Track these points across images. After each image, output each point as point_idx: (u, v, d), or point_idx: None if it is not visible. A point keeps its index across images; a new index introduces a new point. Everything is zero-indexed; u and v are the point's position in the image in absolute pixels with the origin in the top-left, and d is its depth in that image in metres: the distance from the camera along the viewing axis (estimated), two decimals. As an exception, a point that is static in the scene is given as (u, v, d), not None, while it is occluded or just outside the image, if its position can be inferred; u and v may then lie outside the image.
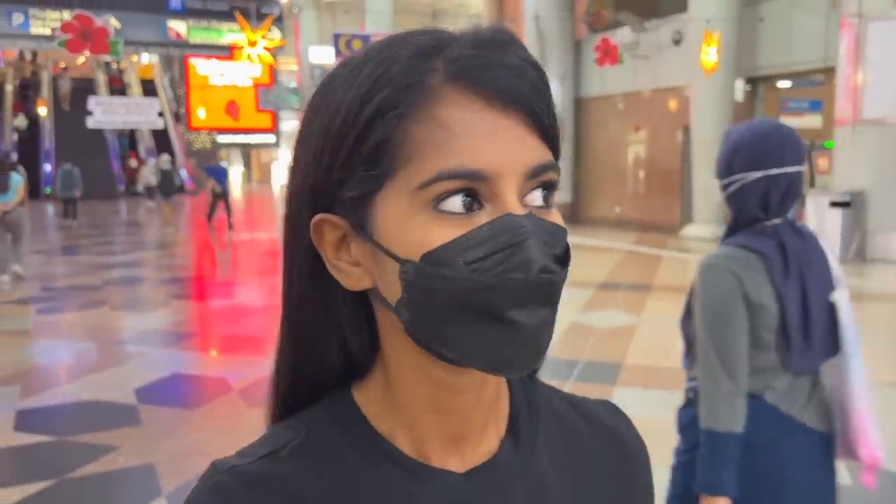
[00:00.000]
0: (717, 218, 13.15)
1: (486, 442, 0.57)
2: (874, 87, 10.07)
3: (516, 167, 0.47)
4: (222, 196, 14.83)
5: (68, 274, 10.09)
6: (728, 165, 1.70)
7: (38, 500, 3.42)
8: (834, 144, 11.00)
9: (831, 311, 1.67)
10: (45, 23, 24.05)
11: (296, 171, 0.54)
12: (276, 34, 21.75)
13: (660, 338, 6.39)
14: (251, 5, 21.25)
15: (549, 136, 0.50)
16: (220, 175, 15.10)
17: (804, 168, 1.69)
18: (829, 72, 11.41)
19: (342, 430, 0.55)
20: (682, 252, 11.89)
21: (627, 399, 4.69)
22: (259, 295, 8.99)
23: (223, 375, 5.35)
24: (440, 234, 0.47)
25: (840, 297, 1.68)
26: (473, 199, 0.47)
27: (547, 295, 0.47)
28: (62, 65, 32.16)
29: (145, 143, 29.42)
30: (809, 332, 1.65)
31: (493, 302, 0.46)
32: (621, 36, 15.10)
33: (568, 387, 4.96)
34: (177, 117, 31.39)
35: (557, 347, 6.04)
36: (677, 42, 14.08)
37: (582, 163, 17.35)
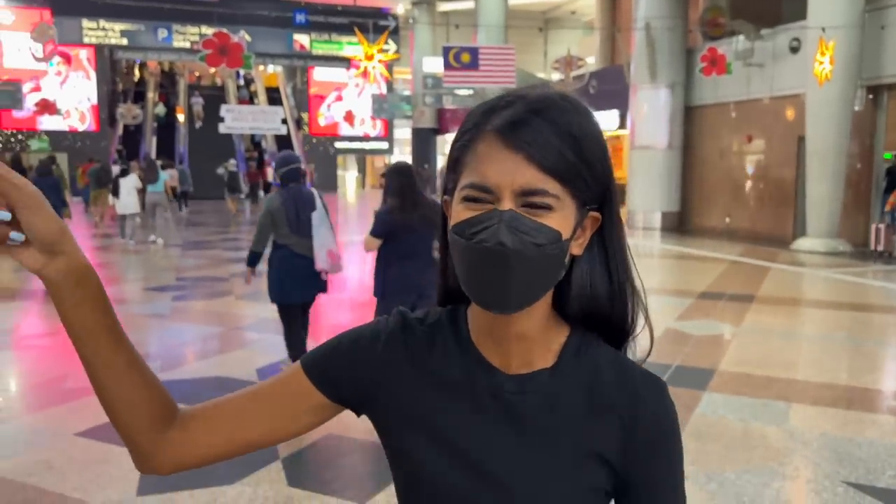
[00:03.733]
0: (831, 232, 12.66)
1: (530, 365, 0.83)
2: None
3: (510, 186, 0.74)
4: None
5: (199, 266, 11.05)
6: (279, 164, 5.04)
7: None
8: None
9: (310, 217, 4.84)
10: (186, 37, 26.11)
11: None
12: (391, 47, 22.57)
13: (756, 348, 6.38)
14: (368, 21, 22.20)
15: (549, 172, 0.74)
16: None
17: (299, 166, 5.05)
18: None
19: (452, 327, 0.87)
20: (791, 265, 11.53)
21: (716, 404, 4.81)
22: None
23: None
24: (462, 215, 0.76)
25: (313, 214, 4.83)
26: (486, 200, 0.76)
27: (500, 259, 0.72)
28: (196, 73, 34.66)
29: (269, 147, 31.13)
30: (300, 223, 4.84)
31: (472, 258, 0.75)
32: (735, 44, 14.79)
33: (656, 389, 5.10)
34: (298, 124, 33.00)
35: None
36: (794, 50, 13.67)
37: (692, 172, 17.05)
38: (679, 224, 17.02)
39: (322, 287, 5.05)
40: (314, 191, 5.04)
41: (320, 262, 4.84)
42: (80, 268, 0.75)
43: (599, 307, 0.84)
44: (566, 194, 0.75)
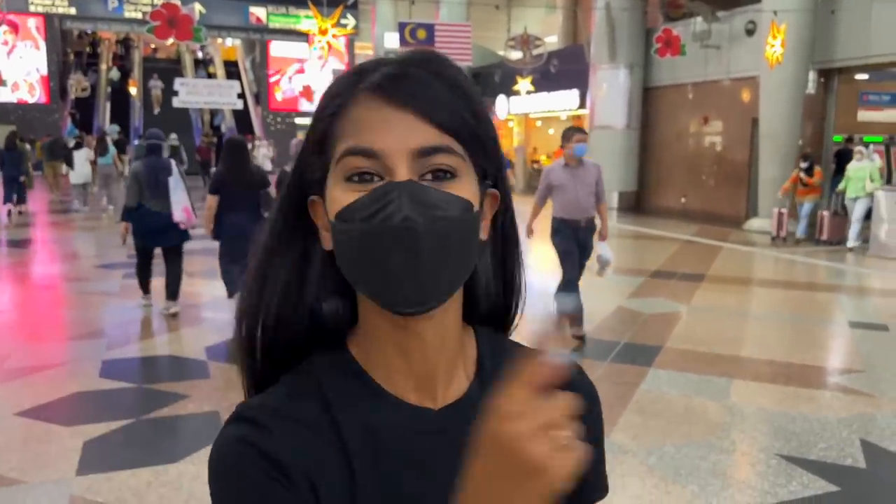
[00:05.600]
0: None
1: (456, 384, 0.68)
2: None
3: (405, 148, 0.60)
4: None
5: (152, 244, 10.86)
6: (145, 139, 6.63)
7: (120, 434, 3.92)
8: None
9: (166, 182, 6.07)
10: (138, 7, 25.36)
11: (294, 164, 0.69)
12: (350, 21, 22.19)
13: (703, 325, 6.54)
14: (324, -6, 21.83)
15: (447, 128, 0.61)
16: None
17: (160, 142, 6.45)
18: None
19: (344, 377, 0.66)
20: (741, 245, 11.79)
21: (661, 380, 4.92)
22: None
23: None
24: (346, 198, 0.60)
25: (169, 179, 6.08)
26: (374, 175, 0.60)
27: (410, 239, 0.58)
28: (152, 45, 33.78)
29: (227, 124, 30.56)
30: (158, 186, 6.04)
31: (373, 245, 0.59)
32: (693, 25, 14.93)
33: (604, 366, 5.20)
34: (257, 98, 32.43)
35: (599, 329, 6.26)
36: (750, 32, 13.86)
37: (649, 152, 17.23)
38: (636, 204, 17.22)
39: (184, 235, 6.37)
40: (172, 161, 6.36)
41: (177, 216, 6.11)
42: None
43: (498, 302, 0.74)
44: (467, 157, 0.63)
